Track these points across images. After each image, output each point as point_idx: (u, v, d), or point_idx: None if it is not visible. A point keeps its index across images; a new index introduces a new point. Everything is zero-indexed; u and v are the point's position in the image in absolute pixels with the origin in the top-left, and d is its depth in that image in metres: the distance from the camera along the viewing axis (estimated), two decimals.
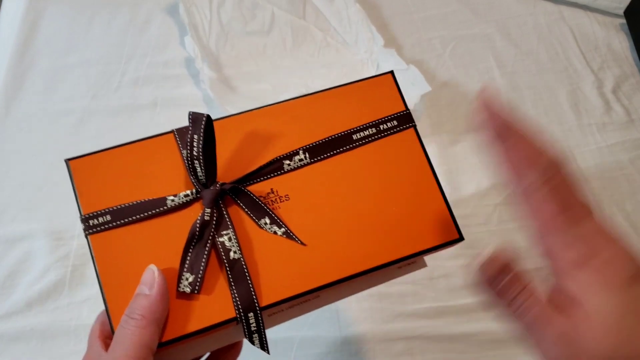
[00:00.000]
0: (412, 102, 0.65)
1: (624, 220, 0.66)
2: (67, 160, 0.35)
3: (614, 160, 0.71)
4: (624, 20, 0.83)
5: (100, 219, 0.34)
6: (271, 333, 0.58)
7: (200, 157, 0.34)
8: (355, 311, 0.60)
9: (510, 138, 0.26)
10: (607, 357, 0.23)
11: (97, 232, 0.34)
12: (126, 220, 0.34)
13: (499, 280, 0.26)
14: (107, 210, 0.34)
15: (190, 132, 0.34)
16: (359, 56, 0.79)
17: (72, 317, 0.58)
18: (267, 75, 0.76)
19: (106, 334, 0.34)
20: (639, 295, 0.23)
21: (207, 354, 0.39)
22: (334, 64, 0.78)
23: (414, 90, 0.69)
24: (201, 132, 0.33)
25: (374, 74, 0.41)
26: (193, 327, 0.33)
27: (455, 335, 0.58)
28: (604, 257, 0.24)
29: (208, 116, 0.34)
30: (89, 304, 0.59)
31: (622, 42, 0.82)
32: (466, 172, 0.69)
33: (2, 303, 0.59)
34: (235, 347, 0.40)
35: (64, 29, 0.80)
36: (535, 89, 0.77)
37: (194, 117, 0.34)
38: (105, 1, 0.83)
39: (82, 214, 0.34)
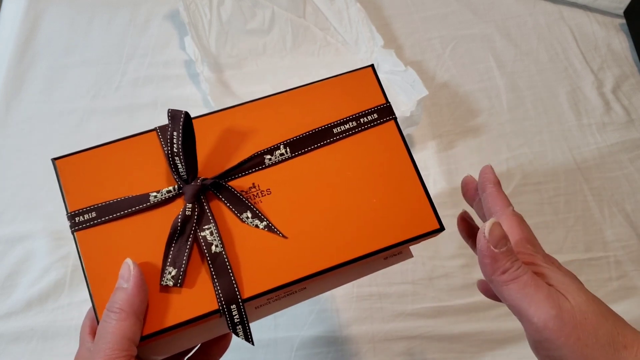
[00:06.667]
0: (409, 107, 0.65)
1: (624, 220, 0.66)
2: (54, 160, 0.36)
3: (614, 160, 0.71)
4: (624, 20, 0.83)
5: (86, 216, 0.35)
6: (271, 333, 0.58)
7: (181, 154, 0.35)
8: (355, 311, 0.60)
9: (500, 186, 0.39)
10: (590, 310, 0.30)
11: (83, 228, 0.35)
12: (111, 216, 0.35)
13: (503, 242, 0.32)
14: (92, 207, 0.35)
15: (169, 129, 0.35)
16: (359, 56, 0.79)
17: (72, 317, 0.58)
18: (267, 76, 0.76)
19: (95, 329, 0.34)
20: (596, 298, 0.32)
21: (197, 347, 0.40)
22: (334, 64, 0.78)
23: (412, 94, 0.69)
24: (180, 128, 0.34)
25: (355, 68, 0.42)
26: (176, 319, 0.33)
27: (455, 335, 0.58)
28: (559, 268, 0.35)
29: (186, 113, 0.34)
30: (89, 304, 0.59)
31: (622, 42, 0.82)
32: (466, 172, 0.69)
33: (2, 303, 0.59)
34: (224, 340, 0.40)
35: (64, 29, 0.80)
36: (535, 89, 0.77)
37: (173, 114, 0.35)
38: (105, 1, 0.83)
39: (69, 211, 0.35)
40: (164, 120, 0.37)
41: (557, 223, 0.66)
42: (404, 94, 0.71)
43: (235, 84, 0.75)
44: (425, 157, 0.70)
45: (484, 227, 0.32)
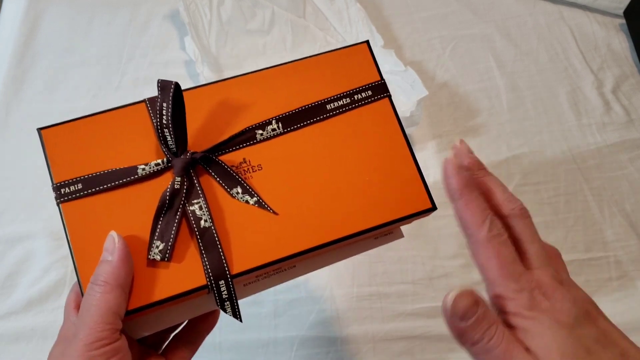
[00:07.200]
0: (409, 107, 0.65)
1: (624, 220, 0.66)
2: (40, 130, 0.36)
3: (614, 160, 0.71)
4: (623, 20, 0.83)
5: (72, 188, 0.34)
6: (271, 333, 0.58)
7: (170, 126, 0.34)
8: (355, 311, 0.60)
9: (472, 192, 0.32)
10: None
11: (69, 200, 0.34)
12: (97, 188, 0.34)
13: (471, 313, 0.28)
14: (78, 178, 0.35)
15: (159, 100, 0.34)
16: None
17: None
18: None
19: (80, 303, 0.34)
20: (583, 335, 0.27)
21: (185, 323, 0.40)
22: None
23: (412, 94, 0.69)
24: (170, 99, 0.33)
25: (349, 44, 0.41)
26: (164, 294, 0.33)
27: None
28: (551, 302, 0.28)
29: (176, 83, 0.33)
30: None
31: (622, 42, 0.82)
32: None
33: (2, 303, 0.59)
34: (212, 317, 0.40)
35: (64, 29, 0.80)
36: (535, 89, 0.77)
37: (163, 84, 0.34)
38: (105, 1, 0.83)
39: (54, 182, 0.35)
40: None
41: (557, 223, 0.66)
42: (404, 94, 0.71)
43: None
44: (425, 157, 0.70)
45: (447, 300, 0.28)
